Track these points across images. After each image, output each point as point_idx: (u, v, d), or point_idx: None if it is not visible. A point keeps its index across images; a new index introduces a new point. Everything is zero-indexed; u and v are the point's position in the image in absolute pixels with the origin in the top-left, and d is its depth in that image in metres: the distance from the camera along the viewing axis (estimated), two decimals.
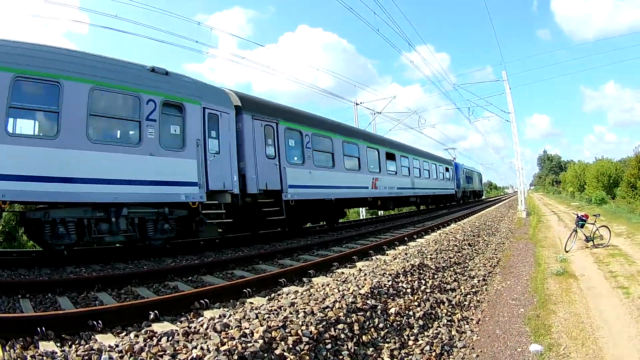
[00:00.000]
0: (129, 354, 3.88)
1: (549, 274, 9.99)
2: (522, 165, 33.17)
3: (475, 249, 13.38)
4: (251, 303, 6.34)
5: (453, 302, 7.76)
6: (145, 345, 4.04)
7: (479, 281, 9.72)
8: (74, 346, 4.36)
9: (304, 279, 8.09)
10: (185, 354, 3.91)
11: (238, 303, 6.50)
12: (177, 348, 4.01)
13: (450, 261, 10.53)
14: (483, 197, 66.91)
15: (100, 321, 5.01)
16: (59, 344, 4.54)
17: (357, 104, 35.67)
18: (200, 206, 10.90)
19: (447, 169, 37.98)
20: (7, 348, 4.25)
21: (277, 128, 13.76)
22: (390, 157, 23.77)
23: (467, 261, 11.42)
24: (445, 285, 8.62)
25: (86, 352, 3.93)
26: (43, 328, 4.63)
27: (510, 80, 30.23)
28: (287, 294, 6.64)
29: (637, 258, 10.83)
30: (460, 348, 5.98)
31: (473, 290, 8.96)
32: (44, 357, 3.88)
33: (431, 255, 10.37)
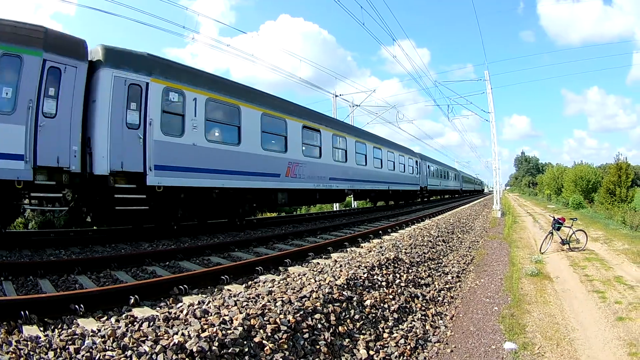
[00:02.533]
0: (111, 339, 4.09)
1: (524, 274, 10.63)
2: (499, 165, 34.42)
3: (449, 246, 14.02)
4: (229, 290, 6.75)
5: (427, 297, 8.25)
6: (127, 331, 4.27)
7: (452, 278, 10.25)
8: (56, 330, 4.61)
9: (280, 268, 8.60)
10: (167, 339, 4.13)
11: (216, 290, 6.93)
12: (158, 334, 4.24)
13: (424, 256, 11.11)
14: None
15: (82, 305, 5.31)
16: (42, 328, 4.79)
17: (336, 96, 36.70)
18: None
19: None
20: None
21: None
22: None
23: (441, 257, 11.99)
24: (419, 280, 9.13)
25: (69, 337, 4.14)
26: (27, 312, 4.90)
27: (492, 80, 31.91)
28: (264, 282, 7.05)
29: (614, 264, 11.66)
30: (435, 343, 6.42)
31: (447, 286, 9.47)
32: (29, 342, 4.07)
33: (406, 249, 10.94)
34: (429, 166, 42.62)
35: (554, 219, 14.95)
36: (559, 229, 14.56)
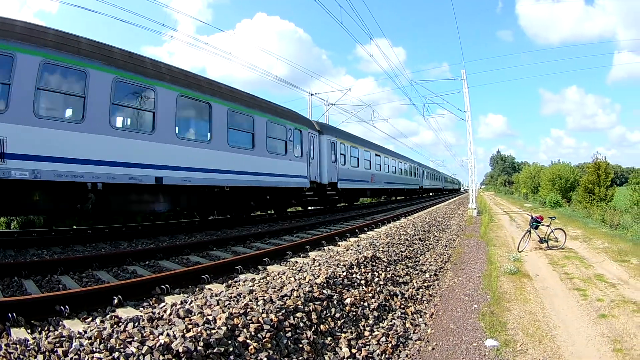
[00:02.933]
0: (98, 340, 4.09)
1: (502, 272, 10.74)
2: (475, 164, 35.07)
3: (426, 244, 14.10)
4: (210, 289, 6.86)
5: (406, 295, 8.28)
6: (113, 332, 4.27)
7: (430, 276, 10.29)
8: (44, 333, 4.68)
9: (259, 267, 8.77)
10: (153, 340, 4.14)
11: (197, 289, 7.05)
12: (144, 334, 4.25)
13: (402, 255, 11.16)
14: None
15: (67, 306, 5.38)
16: (29, 331, 4.84)
17: (311, 94, 37.61)
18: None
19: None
20: None
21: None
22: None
23: (418, 255, 12.04)
24: (397, 278, 9.16)
25: (57, 339, 4.13)
26: (14, 314, 4.96)
27: (468, 79, 33.22)
28: (244, 281, 7.15)
29: (595, 262, 11.89)
30: (416, 340, 6.43)
31: (425, 284, 9.51)
32: (18, 346, 4.06)
33: (383, 248, 11.02)
34: (423, 171, 57.91)
35: (532, 218, 15.09)
36: (537, 227, 14.71)
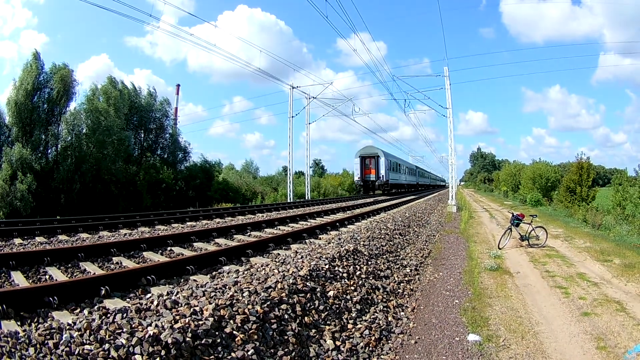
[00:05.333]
0: (88, 331, 4.22)
1: (483, 268, 11.20)
2: (455, 160, 36.67)
3: (406, 239, 14.56)
4: (195, 280, 7.19)
5: (387, 289, 8.64)
6: (102, 323, 4.40)
7: (411, 271, 10.69)
8: (33, 325, 4.83)
9: (243, 259, 9.18)
10: (142, 331, 4.30)
11: (182, 280, 7.37)
12: (133, 325, 4.41)
13: (382, 249, 11.60)
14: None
15: (55, 297, 5.59)
16: (19, 323, 5.02)
17: (293, 87, 40.08)
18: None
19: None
20: None
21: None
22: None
23: (399, 250, 12.46)
24: (379, 272, 9.53)
25: (47, 331, 4.26)
26: (4, 306, 5.14)
27: (450, 76, 34.67)
28: (229, 273, 7.41)
29: (576, 261, 12.45)
30: (398, 334, 6.75)
31: (406, 279, 9.90)
32: (9, 339, 4.17)
33: (364, 242, 11.43)
34: (419, 172, 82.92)
35: (513, 215, 15.55)
36: (517, 225, 15.18)
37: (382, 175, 47.82)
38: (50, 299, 5.54)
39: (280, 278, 6.64)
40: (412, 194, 57.93)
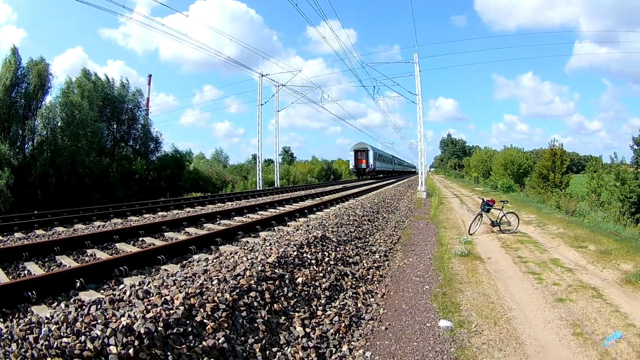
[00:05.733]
0: (65, 324, 4.32)
1: (453, 254, 11.42)
2: (424, 146, 36.94)
3: (375, 225, 14.65)
4: (166, 270, 7.29)
5: (357, 276, 8.76)
6: (78, 315, 4.50)
7: (380, 257, 10.82)
8: (14, 320, 4.81)
9: (212, 247, 9.43)
10: (116, 322, 4.40)
11: (154, 270, 7.49)
12: (107, 316, 4.51)
13: (351, 235, 11.69)
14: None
15: (34, 292, 5.74)
16: (1, 319, 5.17)
17: (262, 75, 40.79)
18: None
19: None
20: None
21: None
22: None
23: (367, 236, 12.55)
24: (348, 258, 9.65)
25: (27, 326, 4.33)
26: None
27: (420, 62, 35.49)
28: (199, 262, 7.68)
29: (549, 247, 12.74)
30: (368, 320, 6.88)
31: (375, 265, 10.03)
32: None
33: (332, 228, 11.53)
34: (396, 161, 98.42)
35: (483, 201, 15.80)
36: (488, 210, 15.41)
37: (371, 164, 64.25)
38: (29, 293, 5.68)
39: (248, 265, 6.72)
40: (388, 179, 67.24)
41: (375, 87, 36.57)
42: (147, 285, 5.57)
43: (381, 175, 74.20)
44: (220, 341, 4.80)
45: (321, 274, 7.82)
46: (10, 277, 7.21)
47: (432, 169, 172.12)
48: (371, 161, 63.54)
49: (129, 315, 4.49)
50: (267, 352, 5.24)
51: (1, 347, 4.04)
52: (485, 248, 12.42)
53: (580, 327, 6.53)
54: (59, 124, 33.97)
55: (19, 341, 4.10)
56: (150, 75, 78.75)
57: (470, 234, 14.42)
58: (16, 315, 5.27)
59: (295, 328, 5.87)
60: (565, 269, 9.98)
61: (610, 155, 32.31)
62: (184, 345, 4.52)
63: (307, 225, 11.54)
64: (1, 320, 5.10)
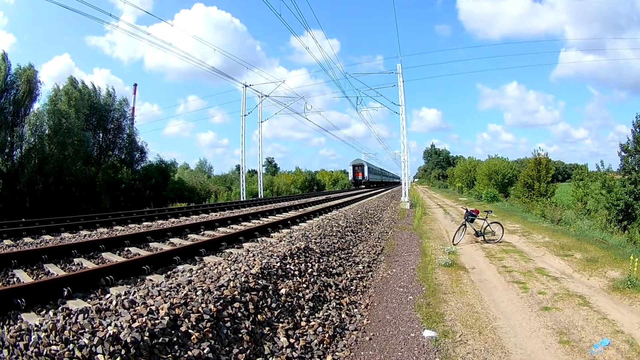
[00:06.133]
0: (53, 332, 4.44)
1: (437, 264, 11.58)
2: (408, 157, 37.58)
3: (358, 236, 14.84)
4: (151, 280, 7.49)
5: (340, 287, 8.90)
6: (66, 324, 4.63)
7: (364, 267, 10.97)
8: (5, 327, 4.98)
9: (196, 258, 9.62)
10: (102, 331, 4.52)
11: (139, 280, 7.66)
12: (94, 325, 4.62)
13: (334, 246, 11.88)
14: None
15: (23, 299, 5.87)
16: None
17: (246, 86, 41.52)
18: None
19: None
20: None
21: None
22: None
23: (351, 247, 12.72)
24: (331, 269, 9.81)
25: (17, 333, 4.48)
26: None
27: (403, 73, 35.65)
28: (183, 272, 7.76)
29: (535, 256, 12.99)
30: (352, 331, 7.00)
31: (359, 276, 10.17)
32: None
33: (315, 239, 11.69)
34: (384, 173, 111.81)
35: (467, 211, 15.99)
36: (472, 220, 15.63)
37: (365, 177, 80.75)
38: (19, 300, 5.80)
39: (232, 276, 6.85)
40: (374, 189, 73.20)
41: (358, 98, 37.30)
42: (133, 295, 5.68)
43: (374, 185, 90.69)
44: (205, 351, 4.90)
45: (304, 285, 7.93)
46: (0, 284, 7.36)
47: (415, 180, 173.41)
48: (366, 174, 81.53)
49: (116, 325, 4.58)
50: None
51: None
52: (469, 258, 12.59)
53: (567, 335, 6.64)
54: (47, 131, 33.97)
55: (10, 347, 4.24)
56: (135, 85, 79.04)
57: (454, 244, 14.59)
58: (6, 322, 5.36)
59: (279, 338, 5.97)
60: (551, 278, 10.17)
61: (597, 164, 32.79)
62: (170, 355, 4.62)
63: (291, 237, 11.66)
64: None
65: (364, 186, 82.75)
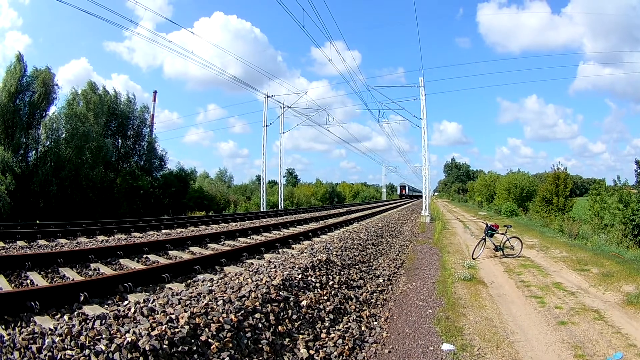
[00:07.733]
0: (69, 337, 4.42)
1: (457, 278, 11.48)
2: (428, 171, 37.53)
3: (379, 249, 14.75)
4: (170, 288, 7.47)
5: (360, 299, 8.83)
6: (82, 329, 4.60)
7: (384, 280, 10.88)
8: (17, 329, 4.94)
9: (217, 267, 9.53)
10: (120, 338, 4.49)
11: (158, 288, 7.64)
12: (111, 332, 4.60)
13: (355, 259, 11.79)
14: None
15: (37, 302, 5.80)
16: (3, 327, 5.23)
17: (268, 97, 41.45)
18: None
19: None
20: None
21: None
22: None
23: (371, 260, 12.65)
24: (351, 282, 9.73)
25: (30, 336, 4.44)
26: None
27: (424, 86, 35.67)
28: (203, 281, 7.68)
29: (552, 270, 12.82)
30: (372, 343, 6.93)
31: (379, 289, 10.09)
32: None
33: (336, 252, 11.63)
34: (414, 189, 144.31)
35: (487, 226, 15.91)
36: (492, 235, 15.52)
37: (406, 192, 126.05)
38: (32, 303, 5.73)
39: (253, 287, 6.83)
40: (395, 203, 74.31)
41: (380, 111, 37.65)
42: (152, 303, 5.69)
43: (409, 197, 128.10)
44: None
45: (325, 297, 7.91)
46: (13, 285, 7.39)
47: (436, 193, 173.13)
48: (406, 191, 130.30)
49: (134, 332, 4.57)
50: None
51: (3, 354, 4.16)
52: (488, 272, 12.50)
53: (581, 349, 6.61)
54: (63, 135, 33.86)
55: (22, 350, 4.21)
56: (155, 92, 79.32)
57: (474, 259, 14.49)
58: (18, 324, 5.36)
59: (299, 349, 5.95)
60: (568, 292, 10.06)
61: (614, 178, 32.45)
62: None
63: (312, 249, 11.63)
64: (3, 327, 5.19)
65: (405, 198, 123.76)
